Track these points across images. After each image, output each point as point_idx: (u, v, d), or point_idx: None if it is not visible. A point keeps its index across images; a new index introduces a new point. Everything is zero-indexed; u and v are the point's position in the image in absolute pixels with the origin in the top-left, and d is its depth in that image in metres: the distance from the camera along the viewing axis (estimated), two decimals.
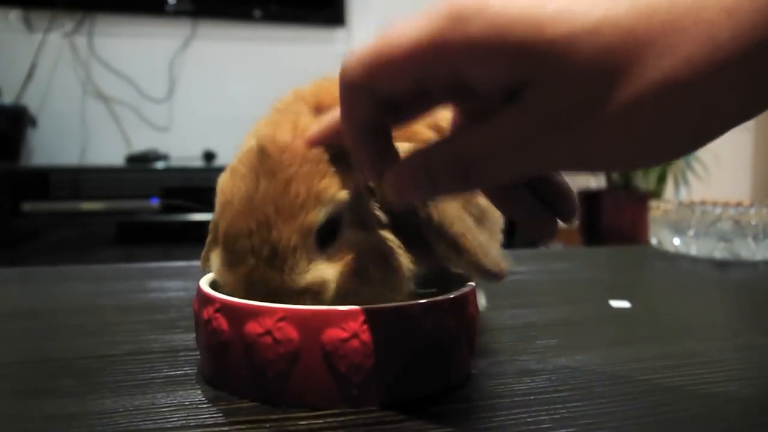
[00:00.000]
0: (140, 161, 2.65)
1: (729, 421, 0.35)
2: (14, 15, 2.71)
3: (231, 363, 0.36)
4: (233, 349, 0.36)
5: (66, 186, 2.59)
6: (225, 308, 0.36)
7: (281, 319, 0.34)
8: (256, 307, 0.35)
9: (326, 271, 0.36)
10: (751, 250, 0.91)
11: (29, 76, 2.64)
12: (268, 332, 0.34)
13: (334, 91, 0.42)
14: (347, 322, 0.34)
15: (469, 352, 0.41)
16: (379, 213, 0.39)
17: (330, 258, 0.37)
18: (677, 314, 0.62)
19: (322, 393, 0.35)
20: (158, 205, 2.48)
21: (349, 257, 0.37)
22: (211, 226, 0.44)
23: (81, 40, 2.75)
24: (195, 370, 0.42)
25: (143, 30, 2.86)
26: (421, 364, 0.36)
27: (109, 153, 2.75)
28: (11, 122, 2.56)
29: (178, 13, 2.87)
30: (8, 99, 2.60)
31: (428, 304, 0.36)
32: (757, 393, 0.39)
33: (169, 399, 0.37)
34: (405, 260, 0.39)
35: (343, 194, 0.37)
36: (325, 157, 0.37)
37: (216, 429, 0.33)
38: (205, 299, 0.38)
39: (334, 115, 0.36)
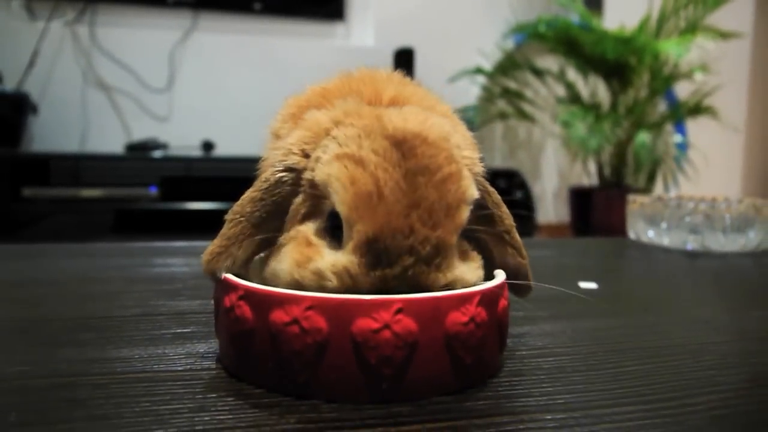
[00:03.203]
0: (139, 150, 2.69)
1: (664, 375, 0.40)
2: (17, 3, 2.74)
3: (255, 353, 0.35)
4: (258, 339, 0.35)
5: (66, 173, 2.63)
6: (249, 295, 0.35)
7: (309, 308, 0.33)
8: (282, 295, 0.34)
9: (465, 269, 0.37)
10: (720, 243, 0.97)
11: (31, 63, 2.67)
12: (295, 321, 0.33)
13: (365, 89, 0.42)
14: (379, 312, 0.32)
15: (500, 347, 0.40)
16: None
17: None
18: (640, 295, 0.67)
19: (351, 386, 0.33)
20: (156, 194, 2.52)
21: (471, 254, 0.39)
22: (234, 217, 0.38)
23: (83, 29, 2.78)
24: (200, 329, 0.47)
25: (144, 21, 2.90)
26: (454, 357, 0.35)
27: (109, 141, 2.79)
28: (13, 109, 2.59)
29: (179, 4, 2.91)
30: (10, 86, 2.64)
31: (464, 295, 0.35)
32: (692, 356, 0.44)
33: (178, 349, 0.42)
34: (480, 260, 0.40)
35: (477, 193, 0.38)
36: (454, 153, 0.37)
37: (222, 372, 0.38)
38: (227, 286, 0.37)
39: None
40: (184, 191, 2.51)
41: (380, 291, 0.34)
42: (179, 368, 0.38)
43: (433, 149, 0.36)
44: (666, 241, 1.00)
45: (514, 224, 0.43)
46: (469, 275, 0.37)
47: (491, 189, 0.42)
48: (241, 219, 0.38)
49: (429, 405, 0.34)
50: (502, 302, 0.39)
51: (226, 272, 0.38)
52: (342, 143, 0.36)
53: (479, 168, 0.42)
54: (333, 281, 0.34)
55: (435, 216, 0.34)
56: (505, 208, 0.43)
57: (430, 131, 0.37)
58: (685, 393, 0.37)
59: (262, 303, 0.34)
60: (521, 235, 0.44)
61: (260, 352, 0.35)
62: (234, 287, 0.36)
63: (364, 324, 0.32)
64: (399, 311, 0.33)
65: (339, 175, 0.34)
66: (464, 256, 0.39)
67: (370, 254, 0.34)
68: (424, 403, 0.34)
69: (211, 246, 0.39)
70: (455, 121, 0.44)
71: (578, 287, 0.66)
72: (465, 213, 0.36)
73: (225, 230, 0.38)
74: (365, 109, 0.39)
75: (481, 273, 0.39)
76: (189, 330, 0.47)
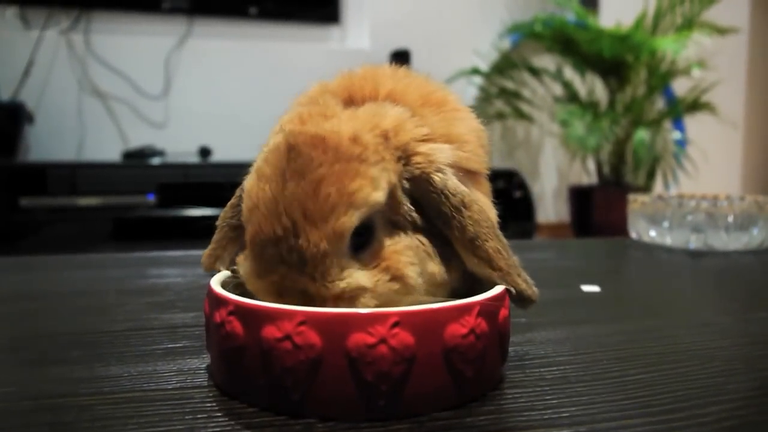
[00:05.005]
0: (136, 157, 2.68)
1: (671, 384, 0.39)
2: (11, 12, 2.73)
3: (246, 370, 0.34)
4: (249, 356, 0.33)
5: (63, 181, 2.62)
6: (240, 311, 0.34)
7: (302, 323, 0.31)
8: (274, 310, 0.32)
9: (362, 278, 0.34)
10: (723, 241, 0.95)
11: (26, 72, 2.66)
12: (288, 337, 0.31)
13: (365, 85, 0.41)
14: (374, 327, 0.31)
15: (501, 359, 0.39)
16: (414, 215, 0.37)
17: (364, 263, 0.35)
18: (643, 297, 0.66)
19: (347, 404, 0.32)
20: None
21: (385, 263, 0.35)
22: (220, 223, 0.43)
23: (77, 37, 2.77)
24: (193, 343, 0.46)
25: (139, 27, 2.89)
26: (454, 371, 0.34)
27: (106, 149, 2.78)
28: (9, 119, 2.58)
29: (173, 10, 2.90)
30: (6, 95, 2.63)
31: (463, 306, 0.34)
32: (699, 362, 0.43)
33: (169, 366, 0.41)
34: (438, 267, 0.37)
35: (379, 196, 0.34)
36: (359, 152, 0.34)
37: (213, 390, 0.37)
38: (217, 301, 0.36)
39: None
40: (182, 198, 2.50)
41: (278, 298, 0.34)
42: (169, 387, 0.37)
43: (319, 150, 0.34)
44: (668, 240, 0.99)
45: (484, 231, 0.37)
46: (365, 283, 0.34)
47: (457, 190, 0.37)
48: (224, 225, 0.43)
49: (429, 421, 0.32)
50: (503, 312, 0.37)
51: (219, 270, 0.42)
52: (262, 155, 0.37)
53: (440, 163, 0.37)
54: (246, 283, 0.36)
55: (298, 223, 0.33)
56: (470, 213, 0.37)
57: (333, 130, 0.35)
58: (693, 403, 0.35)
59: (253, 318, 0.33)
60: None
61: (252, 369, 0.33)
62: (224, 302, 0.35)
63: (359, 339, 0.31)
64: (395, 325, 0.31)
65: (245, 188, 0.36)
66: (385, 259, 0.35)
67: (254, 262, 0.35)
68: (423, 419, 0.33)
69: (206, 249, 0.44)
70: (451, 115, 0.41)
71: (581, 290, 0.65)
72: (348, 218, 0.33)
73: (214, 235, 0.44)
74: (315, 110, 0.37)
75: (391, 283, 0.35)
76: (181, 345, 0.45)
